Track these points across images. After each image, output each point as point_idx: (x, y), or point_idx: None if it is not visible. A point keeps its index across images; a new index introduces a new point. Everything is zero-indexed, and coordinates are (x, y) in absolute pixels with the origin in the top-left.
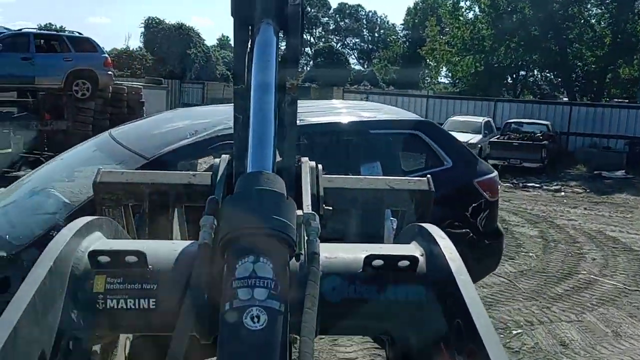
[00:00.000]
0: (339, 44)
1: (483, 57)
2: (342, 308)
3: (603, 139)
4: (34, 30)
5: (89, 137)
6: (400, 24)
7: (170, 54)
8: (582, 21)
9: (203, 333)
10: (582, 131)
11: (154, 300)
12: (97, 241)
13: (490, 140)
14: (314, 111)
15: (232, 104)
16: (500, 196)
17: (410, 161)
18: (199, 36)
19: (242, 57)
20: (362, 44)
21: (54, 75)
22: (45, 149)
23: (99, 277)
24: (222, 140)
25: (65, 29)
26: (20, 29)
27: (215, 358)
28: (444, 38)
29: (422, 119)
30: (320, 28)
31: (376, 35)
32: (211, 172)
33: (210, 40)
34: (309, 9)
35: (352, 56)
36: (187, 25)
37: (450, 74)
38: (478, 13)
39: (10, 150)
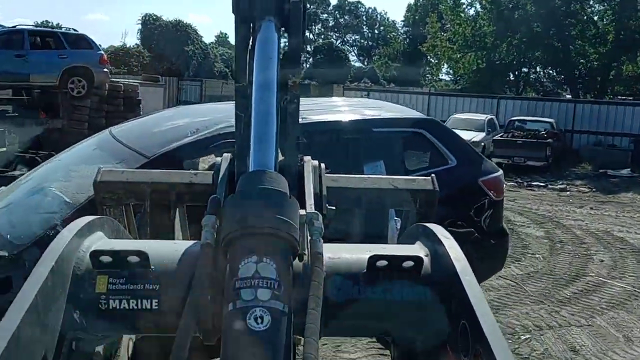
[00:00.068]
0: (339, 41)
1: (485, 54)
2: (346, 309)
3: (608, 137)
4: (29, 27)
5: (84, 135)
6: (401, 21)
7: (167, 51)
8: (585, 18)
9: (206, 334)
10: (587, 129)
11: (156, 300)
12: (99, 241)
13: (494, 138)
14: (316, 109)
15: (233, 102)
16: (505, 195)
17: (414, 160)
18: (197, 33)
19: (243, 54)
20: (362, 41)
21: (49, 72)
22: (41, 147)
23: (101, 277)
24: (223, 138)
25: (62, 26)
26: (14, 26)
27: (218, 359)
28: (445, 35)
29: (426, 117)
30: (320, 25)
31: (376, 32)
32: (213, 171)
33: (208, 37)
34: (309, 6)
35: (352, 53)
36: (184, 22)
37: (451, 71)
38: (479, 9)
39: (5, 149)
